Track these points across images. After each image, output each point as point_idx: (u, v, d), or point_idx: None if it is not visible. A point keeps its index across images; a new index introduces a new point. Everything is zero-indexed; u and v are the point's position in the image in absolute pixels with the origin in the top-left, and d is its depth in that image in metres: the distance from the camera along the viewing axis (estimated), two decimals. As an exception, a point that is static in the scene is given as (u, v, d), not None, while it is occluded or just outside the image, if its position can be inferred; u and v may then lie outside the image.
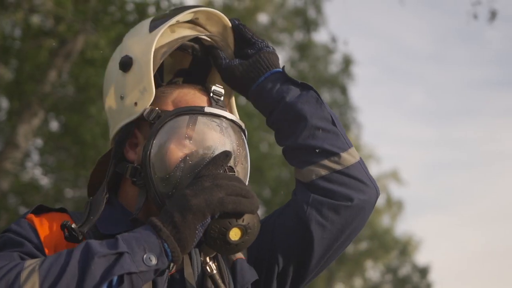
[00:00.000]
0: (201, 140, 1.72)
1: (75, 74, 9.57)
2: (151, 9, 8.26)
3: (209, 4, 11.76)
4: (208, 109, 1.77)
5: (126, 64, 1.80)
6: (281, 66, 1.92)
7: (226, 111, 1.81)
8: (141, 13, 8.23)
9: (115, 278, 1.47)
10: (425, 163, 46.49)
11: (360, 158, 1.86)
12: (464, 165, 47.71)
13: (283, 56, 19.43)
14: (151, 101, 1.76)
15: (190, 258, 1.75)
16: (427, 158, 45.80)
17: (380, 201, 28.23)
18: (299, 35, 19.11)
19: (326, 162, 1.82)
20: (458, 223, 48.12)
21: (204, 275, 1.72)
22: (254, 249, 1.81)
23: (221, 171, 1.65)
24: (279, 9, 18.64)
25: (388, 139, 45.54)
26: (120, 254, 1.49)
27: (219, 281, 1.70)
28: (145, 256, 1.50)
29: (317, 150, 1.82)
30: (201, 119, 1.75)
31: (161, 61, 1.80)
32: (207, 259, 1.70)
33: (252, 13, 17.03)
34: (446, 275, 45.91)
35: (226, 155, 1.66)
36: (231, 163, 1.73)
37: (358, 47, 50.68)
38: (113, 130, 1.83)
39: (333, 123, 1.86)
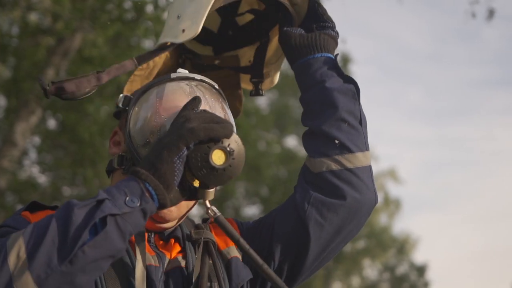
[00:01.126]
0: (173, 104, 1.71)
1: (73, 72, 9.56)
2: (149, 7, 8.27)
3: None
4: (174, 75, 1.77)
5: None
6: (335, 53, 1.95)
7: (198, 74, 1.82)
8: (139, 11, 8.23)
9: (98, 223, 1.44)
10: (422, 162, 46.52)
11: (370, 164, 1.89)
12: (461, 164, 47.76)
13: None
14: (192, 36, 1.79)
15: (186, 257, 1.75)
16: (425, 157, 45.85)
17: (378, 199, 28.22)
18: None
19: (340, 157, 1.84)
20: (455, 222, 48.20)
21: (200, 272, 1.72)
22: (253, 245, 1.81)
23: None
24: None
25: (386, 138, 45.54)
26: (100, 201, 1.47)
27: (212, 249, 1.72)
28: (127, 198, 1.48)
29: (336, 141, 1.84)
30: (169, 85, 1.75)
31: (223, 4, 1.84)
32: (208, 203, 1.66)
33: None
34: (443, 273, 45.97)
35: (194, 99, 1.65)
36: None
37: (356, 46, 50.72)
38: (157, 42, 1.88)
39: (360, 122, 1.89)
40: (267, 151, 15.39)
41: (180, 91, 1.73)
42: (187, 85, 1.76)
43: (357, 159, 1.85)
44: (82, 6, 8.27)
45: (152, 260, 1.70)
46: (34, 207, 1.72)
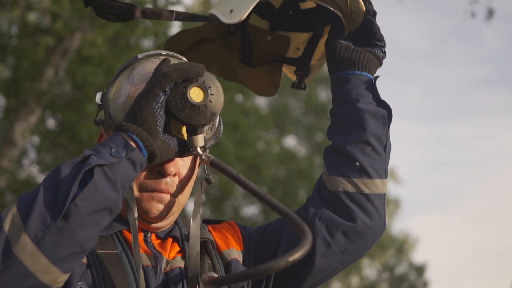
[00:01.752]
0: (144, 79, 1.70)
1: (72, 72, 9.57)
2: (149, 7, 8.26)
3: (205, 3, 11.75)
4: (141, 55, 1.77)
5: None
6: (376, 75, 1.94)
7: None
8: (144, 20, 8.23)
9: (86, 176, 1.45)
10: (422, 161, 46.54)
11: (386, 192, 1.88)
12: (460, 163, 47.77)
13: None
14: (236, 22, 1.81)
15: (185, 257, 1.75)
16: (424, 157, 45.85)
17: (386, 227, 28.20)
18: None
19: (357, 181, 1.83)
20: (454, 222, 48.21)
21: (200, 272, 1.71)
22: (257, 250, 1.83)
23: None
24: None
25: (385, 137, 45.45)
26: (86, 157, 1.48)
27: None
28: (112, 150, 1.50)
29: (357, 164, 1.83)
30: (138, 65, 1.75)
31: None
32: (199, 150, 1.65)
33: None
34: (442, 273, 45.98)
35: (163, 61, 1.66)
36: None
37: (355, 46, 50.56)
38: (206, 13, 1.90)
39: (385, 149, 1.88)
40: (266, 151, 15.38)
41: (151, 65, 1.73)
42: (156, 59, 1.76)
43: (375, 185, 1.84)
44: (81, 6, 8.25)
45: (149, 261, 1.70)
46: None
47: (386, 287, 30.26)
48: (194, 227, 1.74)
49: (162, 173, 1.70)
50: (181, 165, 1.73)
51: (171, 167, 1.69)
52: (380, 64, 1.94)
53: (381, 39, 1.93)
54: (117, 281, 1.62)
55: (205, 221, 1.92)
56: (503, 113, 44.64)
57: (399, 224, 55.00)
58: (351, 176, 1.83)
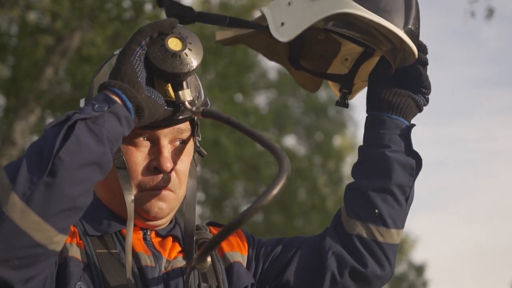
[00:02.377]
0: None
1: (72, 71, 9.57)
2: (148, 6, 8.27)
3: (205, 2, 11.76)
4: (118, 50, 1.74)
5: None
6: (412, 123, 1.90)
7: None
8: (138, 10, 8.23)
9: (70, 132, 1.45)
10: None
11: (399, 243, 1.87)
12: (460, 163, 47.74)
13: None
14: (283, 41, 1.77)
15: (186, 257, 1.74)
16: (424, 156, 45.65)
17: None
18: (296, 33, 19.11)
19: (373, 228, 1.82)
20: (454, 222, 48.21)
21: (201, 273, 1.72)
22: (264, 263, 1.83)
23: None
24: (276, 6, 18.62)
25: (385, 137, 45.45)
26: (69, 116, 1.48)
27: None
28: (95, 106, 1.50)
29: (376, 211, 1.82)
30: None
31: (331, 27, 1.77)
32: (187, 105, 1.64)
33: (249, 10, 17.02)
34: (442, 273, 45.98)
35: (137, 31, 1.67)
36: None
37: (355, 45, 50.55)
38: (260, 12, 1.87)
39: (407, 199, 1.86)
40: (266, 151, 15.36)
41: None
42: None
43: (390, 235, 1.84)
44: (81, 5, 8.27)
45: (148, 260, 1.70)
46: None
47: (385, 286, 30.21)
48: (190, 202, 1.74)
49: (159, 170, 1.69)
50: (176, 159, 1.72)
51: (167, 163, 1.69)
52: (419, 111, 1.91)
53: (427, 87, 1.89)
54: (116, 281, 1.62)
55: (209, 224, 1.92)
56: (503, 113, 44.63)
57: (398, 223, 54.88)
58: (368, 222, 1.82)
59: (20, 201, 1.39)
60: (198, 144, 1.79)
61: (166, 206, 1.72)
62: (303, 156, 18.85)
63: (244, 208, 17.55)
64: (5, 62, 9.90)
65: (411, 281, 29.96)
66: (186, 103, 1.64)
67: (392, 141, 1.85)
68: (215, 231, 1.88)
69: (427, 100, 1.91)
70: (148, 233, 1.75)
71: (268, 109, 18.41)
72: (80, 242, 1.66)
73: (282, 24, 1.79)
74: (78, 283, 1.59)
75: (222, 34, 1.90)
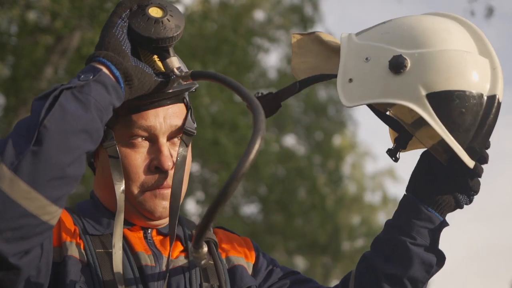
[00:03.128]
0: None
1: (72, 70, 9.56)
2: (148, 6, 8.26)
3: (204, 2, 11.74)
4: None
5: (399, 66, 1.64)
6: (445, 221, 1.85)
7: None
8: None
9: (55, 101, 1.45)
10: (421, 160, 46.48)
11: None
12: (460, 162, 47.69)
13: (279, 53, 19.45)
14: (345, 104, 1.68)
15: (188, 257, 1.73)
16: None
17: (376, 198, 28.26)
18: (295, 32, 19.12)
19: None
20: (454, 221, 47.97)
21: (204, 270, 1.72)
22: (273, 277, 1.85)
23: None
24: (276, 6, 18.64)
25: (384, 137, 45.43)
26: (56, 88, 1.48)
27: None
28: (81, 77, 1.50)
29: None
30: None
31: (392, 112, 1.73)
32: (176, 71, 1.64)
33: (249, 10, 17.02)
34: (442, 272, 45.87)
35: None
36: None
37: (354, 45, 50.58)
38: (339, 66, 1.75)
39: None
40: (266, 150, 15.39)
41: None
42: None
43: None
44: (80, 4, 8.26)
45: (148, 260, 1.69)
46: None
47: (385, 286, 30.27)
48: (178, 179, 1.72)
49: (160, 169, 1.69)
50: (176, 156, 1.72)
51: (167, 162, 1.68)
52: (455, 209, 1.85)
53: (476, 191, 1.82)
54: (115, 279, 1.61)
55: (219, 227, 1.92)
56: (504, 112, 44.31)
57: (398, 223, 54.90)
58: None
59: (9, 171, 1.38)
60: (193, 129, 1.76)
61: (168, 206, 1.72)
62: (303, 156, 18.85)
63: (243, 207, 17.57)
64: (5, 61, 9.90)
65: (410, 281, 29.95)
66: (175, 69, 1.63)
67: (420, 234, 1.79)
68: (221, 234, 1.87)
69: (470, 201, 1.85)
70: (149, 231, 1.74)
71: (267, 109, 18.39)
72: (79, 241, 1.65)
73: (350, 80, 1.68)
74: (78, 282, 1.58)
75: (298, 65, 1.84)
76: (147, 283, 1.65)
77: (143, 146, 1.69)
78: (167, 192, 1.71)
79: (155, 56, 1.65)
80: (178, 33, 1.62)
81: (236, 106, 12.97)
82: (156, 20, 1.60)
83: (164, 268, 1.69)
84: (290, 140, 20.07)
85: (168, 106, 1.69)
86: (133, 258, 1.67)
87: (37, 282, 1.53)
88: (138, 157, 1.68)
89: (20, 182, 1.38)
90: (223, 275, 1.75)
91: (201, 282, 1.72)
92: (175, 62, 1.64)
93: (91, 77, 1.49)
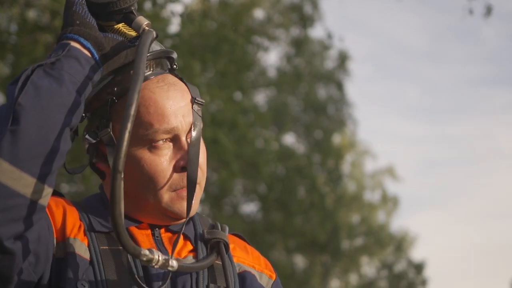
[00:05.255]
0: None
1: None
2: (148, 5, 8.26)
3: (205, 0, 11.73)
4: None
5: None
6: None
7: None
8: (137, 8, 8.21)
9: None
10: (420, 159, 46.51)
11: None
12: (458, 162, 47.72)
13: (279, 52, 19.44)
14: None
15: (197, 257, 1.70)
16: (422, 155, 45.83)
17: (376, 197, 28.26)
18: (295, 31, 19.12)
19: None
20: (453, 220, 48.16)
21: (211, 269, 1.68)
22: None
23: None
24: (275, 4, 18.65)
25: (384, 135, 45.56)
26: (27, 68, 1.49)
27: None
28: (51, 55, 1.51)
29: None
30: None
31: None
32: (146, 27, 1.62)
33: (248, 9, 17.01)
34: (441, 271, 45.98)
35: None
36: None
37: (354, 44, 50.72)
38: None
39: None
40: (265, 149, 15.38)
41: None
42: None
43: None
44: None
45: None
46: None
47: (385, 284, 30.28)
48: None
49: (186, 168, 1.66)
50: (202, 151, 1.70)
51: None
52: None
53: None
54: (119, 279, 1.59)
55: (235, 234, 1.87)
56: (502, 111, 44.64)
57: (397, 221, 55.04)
58: None
59: None
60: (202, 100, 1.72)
61: (195, 203, 1.69)
62: (302, 154, 18.85)
63: (243, 206, 17.57)
64: (4, 60, 9.90)
65: (410, 279, 29.98)
66: (145, 26, 1.62)
67: None
68: (236, 244, 1.82)
69: None
70: (157, 229, 1.71)
71: (267, 107, 18.42)
72: (84, 238, 1.62)
73: None
74: (80, 280, 1.57)
75: None
76: (152, 282, 1.62)
77: (166, 147, 1.66)
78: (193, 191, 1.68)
79: (121, 25, 1.63)
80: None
81: (236, 105, 12.97)
82: None
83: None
84: (289, 139, 20.10)
85: (178, 100, 1.67)
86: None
87: (35, 271, 1.52)
88: (163, 160, 1.65)
89: (3, 163, 1.39)
90: (232, 277, 1.71)
91: (208, 283, 1.68)
92: (142, 20, 1.62)
93: (61, 52, 1.50)
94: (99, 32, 1.57)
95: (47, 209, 1.58)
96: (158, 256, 1.52)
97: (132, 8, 1.61)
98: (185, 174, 1.66)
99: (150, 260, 1.51)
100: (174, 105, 1.66)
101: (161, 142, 1.65)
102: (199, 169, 1.68)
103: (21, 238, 1.43)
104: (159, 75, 1.69)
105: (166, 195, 1.66)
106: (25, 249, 1.46)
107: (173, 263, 1.56)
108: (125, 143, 1.44)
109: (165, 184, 1.65)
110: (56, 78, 1.47)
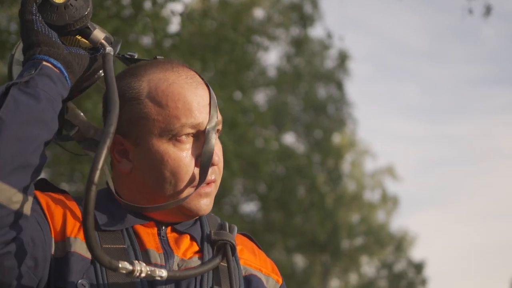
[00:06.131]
0: None
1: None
2: (148, 4, 8.26)
3: (205, 0, 11.73)
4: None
5: None
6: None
7: None
8: (137, 7, 8.22)
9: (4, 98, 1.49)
10: (420, 159, 46.50)
11: None
12: (458, 161, 47.75)
13: (279, 51, 19.45)
14: None
15: (202, 258, 1.68)
16: (422, 155, 45.84)
17: (376, 196, 28.26)
18: (295, 30, 19.12)
19: None
20: (453, 219, 48.19)
21: (216, 271, 1.68)
22: None
23: None
24: (275, 4, 18.65)
25: (383, 135, 45.57)
26: (1, 86, 1.53)
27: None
28: (24, 73, 1.55)
29: None
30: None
31: None
32: (104, 42, 1.68)
33: (248, 8, 17.02)
34: (441, 271, 46.00)
35: None
36: None
37: (353, 44, 50.74)
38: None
39: None
40: (265, 148, 15.39)
41: None
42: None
43: None
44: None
45: (158, 258, 1.63)
46: (43, 185, 1.70)
47: (384, 284, 30.29)
48: None
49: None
50: (217, 148, 1.70)
51: (215, 157, 1.67)
52: None
53: None
54: (120, 279, 1.57)
55: (244, 234, 1.87)
56: (502, 111, 44.66)
57: (397, 221, 55.06)
58: None
59: None
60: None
61: (210, 201, 1.70)
62: (302, 154, 18.85)
63: (242, 205, 17.56)
64: (4, 59, 9.89)
65: (410, 279, 29.98)
66: (103, 41, 1.68)
67: None
68: (244, 245, 1.81)
69: None
70: (163, 228, 1.70)
71: (267, 107, 18.43)
72: None
73: None
74: (80, 280, 1.56)
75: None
76: (155, 282, 1.60)
77: (189, 142, 1.66)
78: (210, 189, 1.69)
79: (78, 36, 1.69)
80: (90, 7, 1.66)
81: (236, 104, 12.97)
82: (65, 5, 1.63)
83: (174, 268, 1.65)
84: (289, 138, 20.10)
85: (205, 98, 1.70)
86: (141, 256, 1.62)
87: (35, 274, 1.53)
88: (185, 154, 1.66)
89: None
90: (237, 280, 1.71)
91: (212, 285, 1.67)
92: (99, 34, 1.69)
93: (34, 71, 1.54)
94: (63, 48, 1.61)
95: (45, 209, 1.60)
96: (141, 268, 1.53)
97: (88, 23, 1.67)
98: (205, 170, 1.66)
99: (130, 272, 1.52)
100: (201, 102, 1.68)
101: (184, 137, 1.66)
102: (217, 167, 1.70)
103: (11, 243, 1.46)
104: (189, 73, 1.72)
105: (185, 191, 1.66)
106: (19, 254, 1.48)
107: (162, 273, 1.56)
108: (102, 157, 1.49)
109: (186, 179, 1.66)
110: (33, 95, 1.51)
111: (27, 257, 1.50)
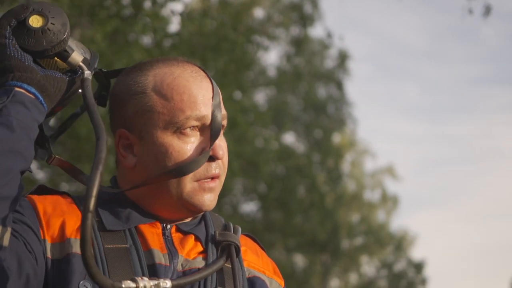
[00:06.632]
0: None
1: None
2: (147, 3, 8.26)
3: (205, 0, 11.74)
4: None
5: None
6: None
7: None
8: (137, 7, 8.23)
9: None
10: (420, 159, 46.51)
11: None
12: (458, 161, 47.74)
13: (279, 51, 19.45)
14: None
15: (207, 259, 1.67)
16: (422, 154, 45.85)
17: (376, 196, 28.26)
18: (295, 30, 19.13)
19: None
20: (452, 219, 48.19)
21: (220, 272, 1.67)
22: None
23: None
24: (275, 3, 18.65)
25: (383, 135, 45.58)
26: None
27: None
28: None
29: None
30: None
31: None
32: (83, 65, 1.65)
33: (248, 8, 17.02)
34: (441, 270, 46.01)
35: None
36: None
37: (353, 44, 50.76)
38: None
39: None
40: (265, 148, 15.39)
41: None
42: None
43: None
44: (80, 2, 8.26)
45: (162, 259, 1.62)
46: (42, 191, 1.69)
47: (384, 284, 30.30)
48: None
49: (212, 158, 1.65)
50: (222, 143, 1.69)
51: (220, 150, 1.66)
52: None
53: None
54: (122, 278, 1.53)
55: (248, 235, 1.86)
56: (502, 111, 44.69)
57: (397, 221, 55.08)
58: None
59: None
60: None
61: (214, 197, 1.69)
62: (302, 154, 18.86)
63: (242, 205, 17.56)
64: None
65: (410, 279, 30.00)
66: (81, 63, 1.64)
67: None
68: (248, 246, 1.80)
69: None
70: (168, 227, 1.68)
71: (267, 106, 18.43)
72: None
73: None
74: (82, 281, 1.54)
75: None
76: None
77: (193, 135, 1.65)
78: (215, 183, 1.68)
79: (55, 58, 1.64)
80: (68, 31, 1.62)
81: (236, 104, 12.97)
82: (43, 30, 1.59)
83: (178, 268, 1.63)
84: (289, 138, 20.10)
85: (210, 92, 1.69)
86: (144, 255, 1.61)
87: (36, 280, 1.52)
88: (189, 147, 1.65)
89: None
90: (241, 281, 1.69)
91: (216, 286, 1.65)
92: (77, 57, 1.65)
93: (6, 99, 1.52)
94: (39, 71, 1.58)
95: (41, 214, 1.60)
96: (144, 284, 1.51)
97: (66, 47, 1.64)
98: (210, 164, 1.66)
99: None
100: (206, 95, 1.67)
101: (189, 129, 1.65)
102: (221, 162, 1.69)
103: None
104: (194, 68, 1.72)
105: (189, 185, 1.65)
106: (3, 282, 1.47)
107: (166, 284, 1.55)
108: (96, 184, 1.45)
109: (191, 174, 1.64)
110: (5, 124, 1.49)
111: (13, 280, 1.49)
